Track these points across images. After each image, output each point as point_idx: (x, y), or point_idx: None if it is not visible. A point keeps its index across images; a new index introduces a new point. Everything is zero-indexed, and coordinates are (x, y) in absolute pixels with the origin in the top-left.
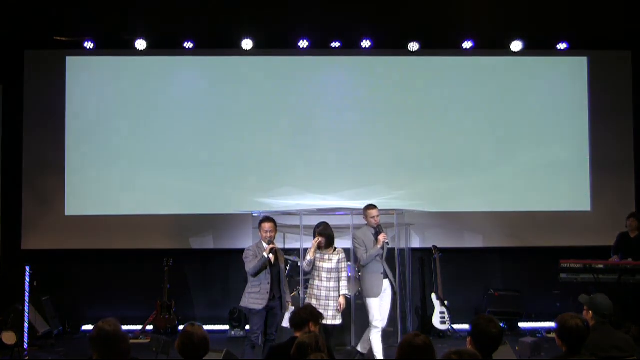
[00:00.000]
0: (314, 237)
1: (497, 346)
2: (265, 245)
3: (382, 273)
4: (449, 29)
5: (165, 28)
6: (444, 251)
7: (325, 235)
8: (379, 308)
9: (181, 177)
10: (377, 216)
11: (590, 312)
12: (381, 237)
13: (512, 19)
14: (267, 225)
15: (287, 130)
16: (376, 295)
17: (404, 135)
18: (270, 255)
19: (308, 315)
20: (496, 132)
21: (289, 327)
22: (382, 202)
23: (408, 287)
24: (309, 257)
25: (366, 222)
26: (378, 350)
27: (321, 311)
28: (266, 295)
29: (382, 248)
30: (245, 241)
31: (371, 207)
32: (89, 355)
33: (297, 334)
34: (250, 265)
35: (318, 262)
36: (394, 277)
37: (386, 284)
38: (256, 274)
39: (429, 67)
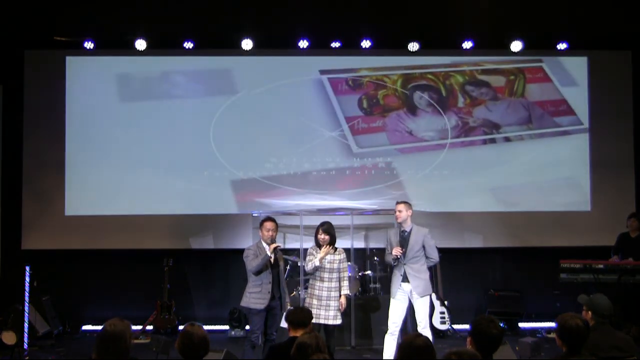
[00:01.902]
0: (316, 236)
1: (497, 347)
2: (265, 245)
3: (400, 275)
4: (449, 29)
5: (165, 28)
6: (444, 251)
7: (330, 235)
8: (395, 311)
9: (181, 177)
10: (400, 212)
11: (590, 312)
12: (394, 251)
13: (512, 19)
14: (269, 224)
15: (287, 129)
16: (391, 295)
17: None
18: (274, 254)
19: (308, 315)
20: (496, 131)
21: (287, 327)
22: (382, 202)
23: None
24: (317, 262)
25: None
26: (387, 352)
27: (322, 311)
28: (267, 295)
29: (396, 262)
30: (245, 241)
31: (396, 203)
32: (89, 355)
33: (295, 334)
34: (253, 263)
35: (318, 262)
36: (423, 282)
37: (408, 287)
38: (258, 273)
39: (426, 65)
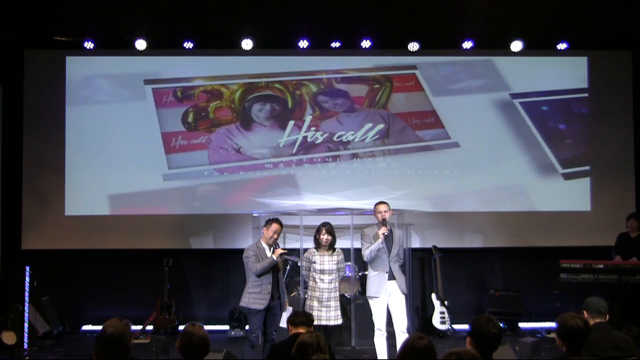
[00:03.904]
0: (318, 236)
1: (497, 346)
2: (264, 245)
3: (386, 272)
4: (449, 29)
5: (165, 28)
6: (444, 251)
7: (332, 235)
8: (383, 311)
9: (181, 177)
10: (385, 211)
11: (585, 311)
12: (380, 230)
13: (512, 19)
14: (276, 227)
15: (287, 129)
16: (374, 294)
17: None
18: (279, 259)
19: (311, 317)
20: (496, 131)
21: (287, 327)
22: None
23: (408, 287)
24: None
25: (377, 221)
26: (381, 353)
27: (323, 312)
28: (267, 295)
29: (383, 242)
30: (245, 241)
31: (379, 203)
32: (89, 355)
33: (297, 331)
34: (258, 266)
35: (318, 265)
36: (405, 280)
37: (392, 286)
38: (261, 275)
39: (426, 65)
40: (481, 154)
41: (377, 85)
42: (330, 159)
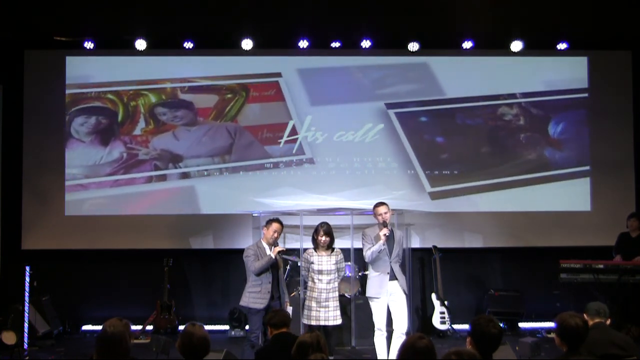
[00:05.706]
0: (316, 237)
1: (497, 346)
2: (265, 244)
3: (387, 273)
4: (449, 29)
5: (165, 28)
6: (444, 251)
7: (330, 236)
8: (383, 311)
9: (181, 177)
10: (385, 213)
11: (585, 315)
12: (382, 231)
13: (512, 19)
14: (277, 226)
15: (287, 129)
16: (374, 295)
17: (404, 135)
18: (278, 257)
19: (288, 316)
20: (496, 131)
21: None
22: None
23: (408, 287)
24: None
25: (377, 222)
26: (380, 353)
27: (321, 313)
28: (267, 295)
29: (385, 244)
30: (245, 241)
31: (379, 204)
32: (89, 355)
33: (277, 332)
34: (256, 264)
35: (316, 265)
36: (406, 280)
37: (394, 286)
38: (260, 274)
39: (430, 65)
40: (340, 170)
41: (229, 95)
42: (331, 159)
